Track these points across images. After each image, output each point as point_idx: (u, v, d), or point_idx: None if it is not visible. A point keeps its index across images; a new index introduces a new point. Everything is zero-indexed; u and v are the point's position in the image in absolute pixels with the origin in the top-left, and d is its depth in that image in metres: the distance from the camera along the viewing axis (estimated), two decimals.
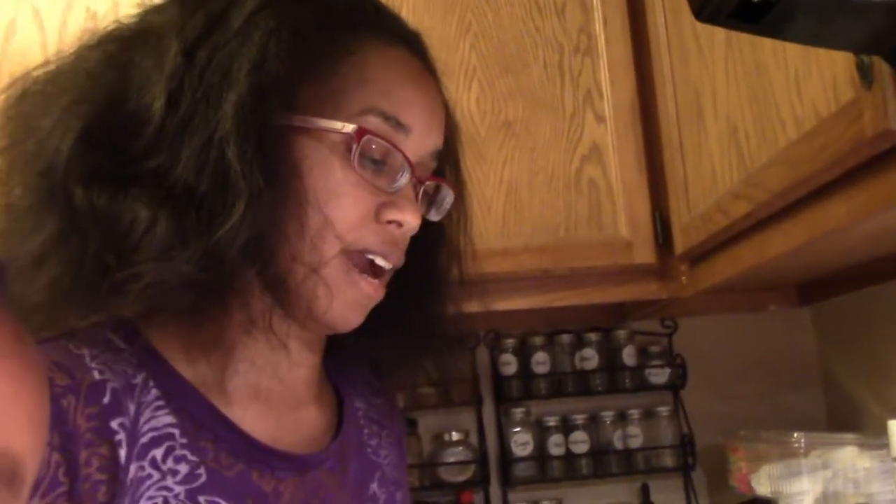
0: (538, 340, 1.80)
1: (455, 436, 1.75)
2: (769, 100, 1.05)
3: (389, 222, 0.71)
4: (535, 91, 1.53)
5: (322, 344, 0.78)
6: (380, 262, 0.71)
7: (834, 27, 0.68)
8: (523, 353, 1.80)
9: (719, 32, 1.20)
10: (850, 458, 1.33)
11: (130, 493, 0.63)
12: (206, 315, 0.69)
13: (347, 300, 0.70)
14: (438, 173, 0.78)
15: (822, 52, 0.91)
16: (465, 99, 1.51)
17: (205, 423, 0.68)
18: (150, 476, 0.64)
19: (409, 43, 0.76)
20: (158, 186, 0.63)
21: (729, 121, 1.18)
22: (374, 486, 0.80)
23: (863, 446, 1.33)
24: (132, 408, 0.65)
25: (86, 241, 0.63)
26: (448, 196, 0.78)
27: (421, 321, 0.81)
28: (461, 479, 1.74)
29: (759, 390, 1.84)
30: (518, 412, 1.78)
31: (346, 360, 0.84)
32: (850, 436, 1.38)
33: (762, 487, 1.45)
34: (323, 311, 0.69)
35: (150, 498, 0.63)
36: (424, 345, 0.82)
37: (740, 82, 1.14)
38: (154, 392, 0.67)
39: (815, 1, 0.63)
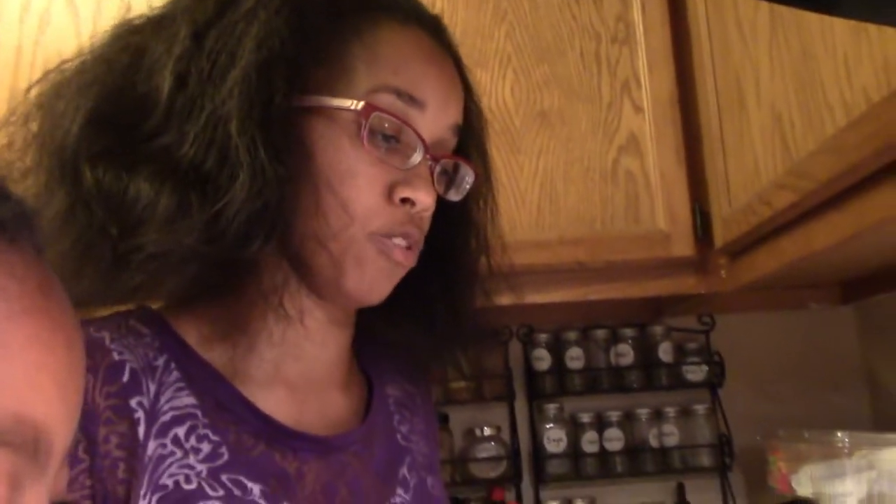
0: (572, 336, 1.77)
1: (487, 431, 1.73)
2: (816, 86, 1.01)
3: (403, 201, 0.69)
4: (572, 80, 1.50)
5: (349, 323, 0.77)
6: (398, 241, 0.70)
7: (891, 2, 0.65)
8: (557, 348, 1.77)
9: (763, 18, 1.16)
10: None
11: (150, 471, 0.63)
12: (219, 292, 0.70)
13: (376, 269, 0.69)
14: (462, 154, 0.77)
15: (873, 35, 0.87)
16: (500, 88, 1.49)
17: (226, 405, 0.68)
18: (172, 453, 0.64)
19: (424, 23, 0.75)
20: (165, 163, 0.64)
21: (773, 109, 1.14)
22: (403, 471, 0.78)
23: None
24: (153, 388, 0.66)
25: (91, 216, 0.64)
26: (468, 175, 0.76)
27: (450, 308, 0.80)
28: (493, 475, 1.71)
29: (800, 390, 1.79)
30: (551, 408, 1.75)
31: (379, 347, 0.83)
32: (895, 436, 1.33)
33: (803, 488, 1.41)
34: (352, 284, 0.69)
35: (171, 475, 0.64)
36: (454, 332, 0.81)
37: (785, 69, 1.10)
38: (176, 374, 0.67)
39: None
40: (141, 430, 0.64)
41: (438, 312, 0.79)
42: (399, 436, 0.81)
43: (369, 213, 0.68)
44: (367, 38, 0.70)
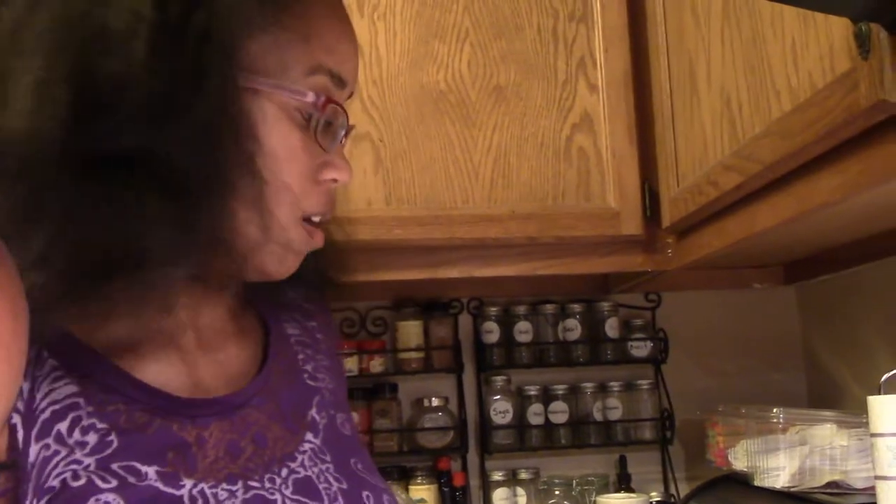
0: (522, 309, 1.79)
1: (435, 402, 1.74)
2: (765, 70, 1.03)
3: (327, 180, 0.70)
4: (528, 56, 1.51)
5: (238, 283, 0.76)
6: (316, 219, 0.71)
7: None
8: (506, 321, 1.79)
9: (717, 2, 1.18)
10: (828, 435, 1.33)
11: (35, 476, 0.59)
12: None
13: (298, 253, 0.71)
14: None
15: (820, 21, 0.89)
16: (457, 62, 1.49)
17: (112, 387, 0.64)
18: (56, 452, 0.60)
19: None
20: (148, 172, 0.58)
21: (723, 91, 1.17)
22: (312, 413, 0.77)
23: (841, 424, 1.33)
24: (25, 386, 0.61)
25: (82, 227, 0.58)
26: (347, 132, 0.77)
27: None
28: (439, 444, 1.73)
29: (741, 367, 1.84)
30: (499, 380, 1.77)
31: (269, 288, 0.80)
32: (829, 413, 1.38)
33: (739, 462, 1.45)
34: (273, 266, 0.70)
35: (58, 475, 0.60)
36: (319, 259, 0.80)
37: (736, 52, 1.12)
38: (50, 363, 0.63)
39: None
40: (19, 436, 0.59)
41: None
42: (306, 375, 0.79)
43: (300, 197, 0.68)
44: (298, 10, 0.68)
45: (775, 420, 1.37)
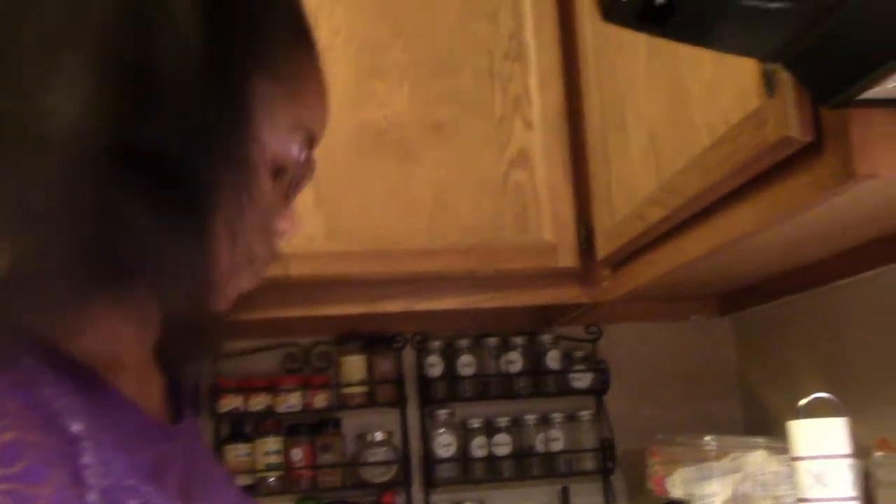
0: (464, 343, 1.81)
1: (378, 436, 1.75)
2: (686, 107, 1.08)
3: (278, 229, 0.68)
4: (466, 95, 1.54)
5: None
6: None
7: (735, 33, 0.70)
8: (449, 355, 1.81)
9: (641, 41, 1.23)
10: (759, 461, 1.36)
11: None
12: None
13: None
14: None
15: (733, 61, 0.94)
16: (397, 100, 1.52)
17: (104, 401, 0.61)
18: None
19: (316, 44, 0.70)
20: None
21: (649, 128, 1.21)
22: (202, 443, 0.77)
23: (772, 450, 1.36)
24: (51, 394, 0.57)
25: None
26: None
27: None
28: (383, 479, 1.74)
29: (681, 397, 1.88)
30: (442, 414, 1.79)
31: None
32: (760, 439, 1.41)
33: (676, 490, 1.48)
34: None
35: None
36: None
37: (660, 90, 1.16)
38: (48, 374, 0.58)
39: (714, 6, 0.65)
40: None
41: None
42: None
43: (261, 240, 0.66)
44: (292, 63, 0.66)
45: (708, 448, 1.40)
